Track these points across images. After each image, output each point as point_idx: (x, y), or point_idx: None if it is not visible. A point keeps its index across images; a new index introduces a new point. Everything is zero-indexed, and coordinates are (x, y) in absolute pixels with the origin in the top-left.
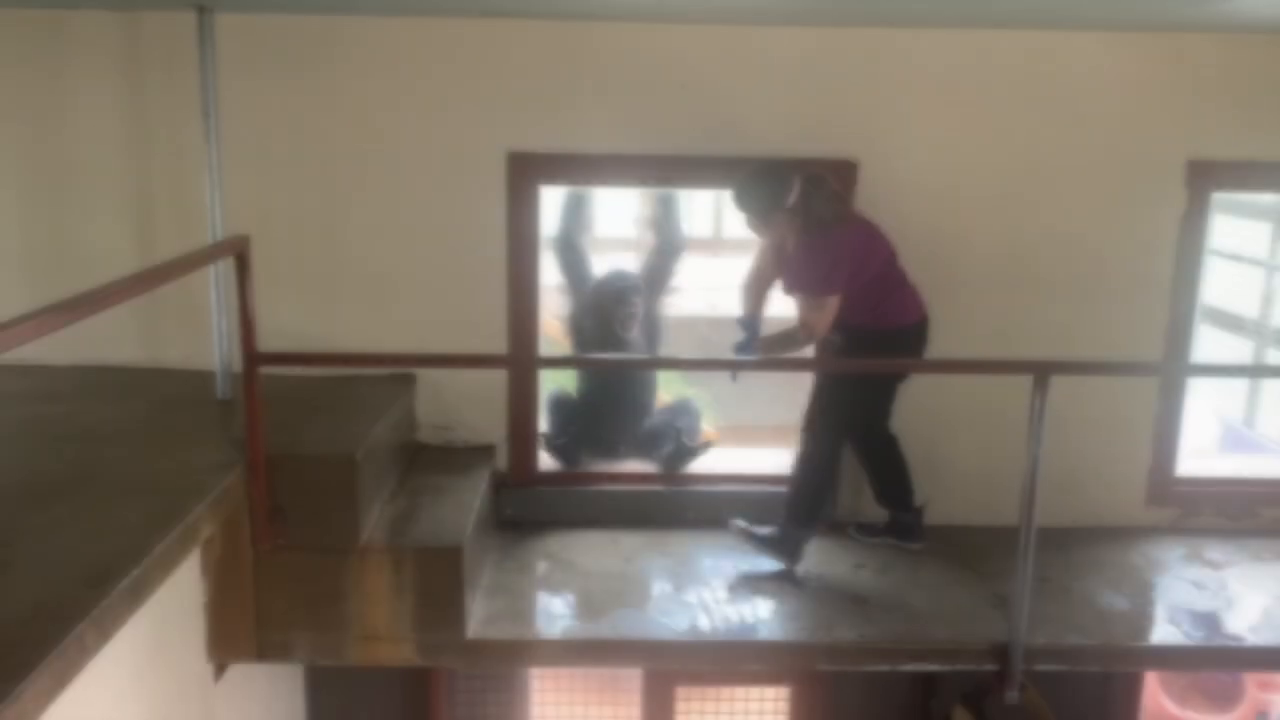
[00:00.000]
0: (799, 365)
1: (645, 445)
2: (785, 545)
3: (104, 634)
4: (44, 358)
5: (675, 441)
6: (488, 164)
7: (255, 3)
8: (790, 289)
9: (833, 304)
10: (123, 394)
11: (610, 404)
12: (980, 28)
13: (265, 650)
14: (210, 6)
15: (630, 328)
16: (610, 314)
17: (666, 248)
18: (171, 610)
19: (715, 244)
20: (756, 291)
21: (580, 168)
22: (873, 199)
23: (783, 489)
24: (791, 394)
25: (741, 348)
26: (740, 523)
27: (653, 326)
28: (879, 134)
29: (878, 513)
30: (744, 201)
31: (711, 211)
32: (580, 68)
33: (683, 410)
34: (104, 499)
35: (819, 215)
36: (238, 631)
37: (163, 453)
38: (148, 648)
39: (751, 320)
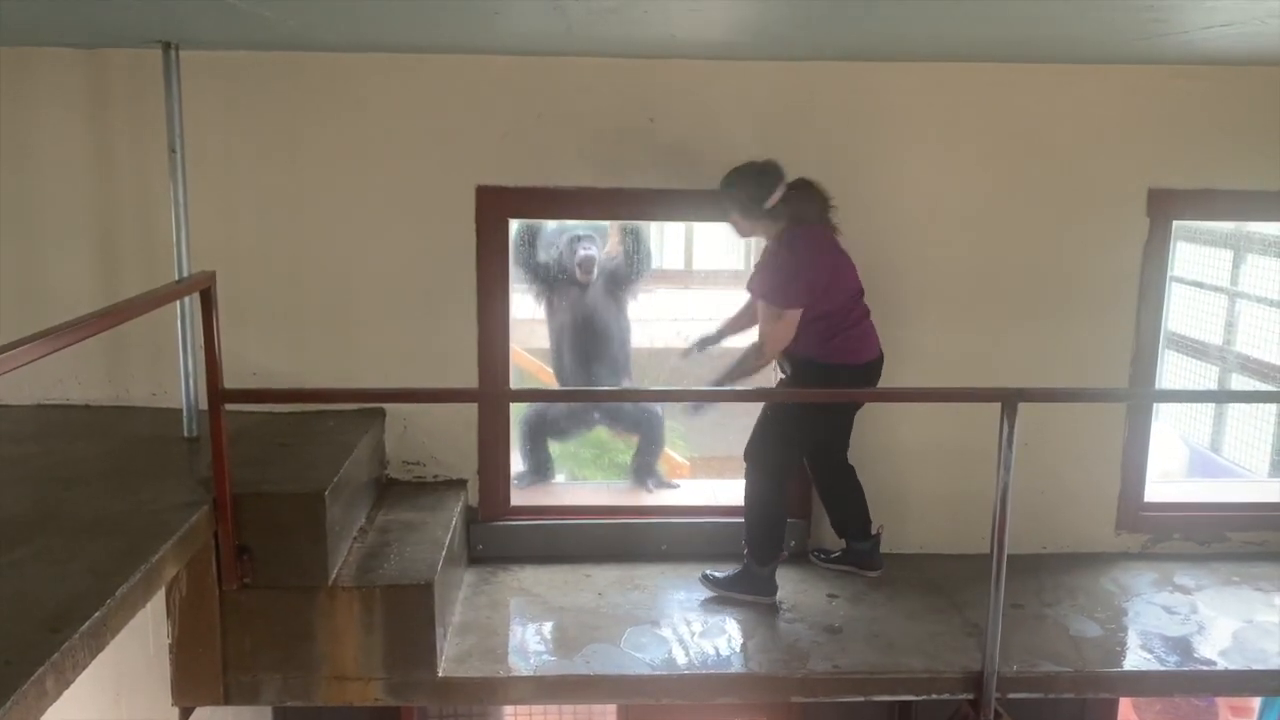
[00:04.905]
0: (763, 395)
1: (617, 417)
2: (753, 584)
3: (64, 679)
4: (6, 397)
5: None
6: (456, 198)
7: (221, 39)
8: (753, 294)
9: (790, 319)
10: (87, 433)
11: (582, 364)
12: (946, 61)
13: (232, 692)
14: (176, 43)
15: (589, 270)
16: (567, 263)
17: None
18: (135, 653)
19: (685, 276)
20: (740, 314)
21: (549, 201)
22: (841, 230)
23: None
24: None
25: (701, 343)
26: (709, 576)
27: (620, 300)
28: (846, 166)
29: (837, 538)
30: (724, 194)
31: (682, 245)
32: (549, 102)
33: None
34: (66, 540)
35: (798, 213)
36: (204, 674)
37: (127, 492)
38: (111, 692)
39: (721, 329)
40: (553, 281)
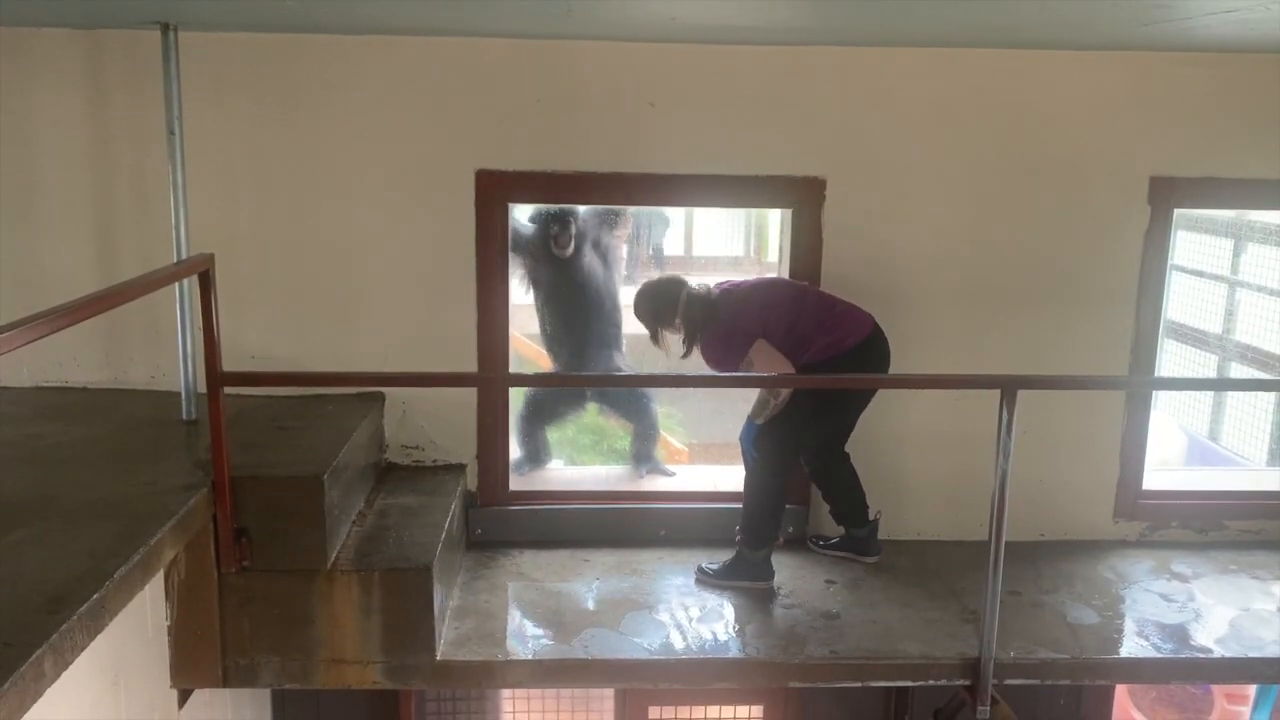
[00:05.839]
0: (768, 381)
1: (607, 396)
2: (748, 569)
3: (63, 660)
4: (4, 379)
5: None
6: (456, 182)
7: (220, 21)
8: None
9: (759, 352)
10: (85, 415)
11: (570, 338)
12: (947, 47)
13: (231, 675)
14: (175, 24)
15: (565, 245)
16: (547, 235)
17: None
18: (134, 635)
19: (685, 262)
20: None
21: (549, 186)
22: (840, 216)
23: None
24: None
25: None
26: (704, 569)
27: (606, 254)
28: (846, 152)
29: (835, 524)
30: (638, 318)
31: (682, 230)
32: (549, 86)
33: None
34: (65, 522)
35: (696, 323)
36: (202, 656)
37: (126, 474)
38: (109, 674)
39: None
40: (534, 258)
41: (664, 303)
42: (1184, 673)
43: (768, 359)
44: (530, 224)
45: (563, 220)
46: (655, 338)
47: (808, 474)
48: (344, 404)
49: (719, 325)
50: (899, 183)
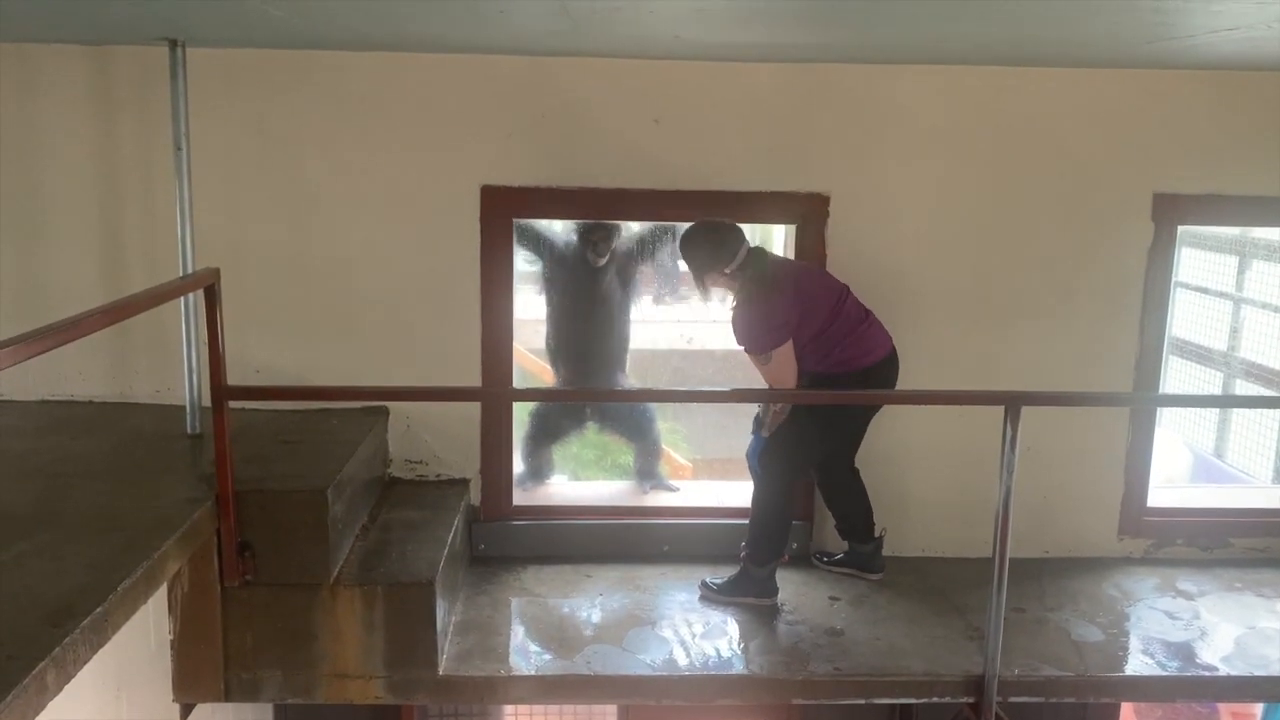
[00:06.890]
0: (774, 396)
1: (609, 415)
2: (753, 585)
3: (66, 673)
4: (10, 393)
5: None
6: (461, 197)
7: (228, 37)
8: (739, 342)
9: (781, 356)
10: (90, 429)
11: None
12: (950, 64)
13: (233, 689)
14: (182, 40)
15: (603, 254)
16: (582, 243)
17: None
18: (136, 648)
19: (686, 278)
20: None
21: (554, 202)
22: (844, 232)
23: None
24: None
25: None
26: (707, 584)
27: (629, 276)
28: (851, 168)
29: (839, 540)
30: (684, 256)
31: None
32: (554, 102)
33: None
34: (69, 535)
35: (751, 284)
36: (205, 670)
37: (130, 488)
38: (111, 687)
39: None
40: (561, 264)
41: (725, 250)
42: (1189, 691)
43: (781, 365)
44: (566, 230)
45: (606, 229)
46: (700, 283)
47: (817, 486)
48: (348, 418)
49: (765, 302)
50: (903, 199)
